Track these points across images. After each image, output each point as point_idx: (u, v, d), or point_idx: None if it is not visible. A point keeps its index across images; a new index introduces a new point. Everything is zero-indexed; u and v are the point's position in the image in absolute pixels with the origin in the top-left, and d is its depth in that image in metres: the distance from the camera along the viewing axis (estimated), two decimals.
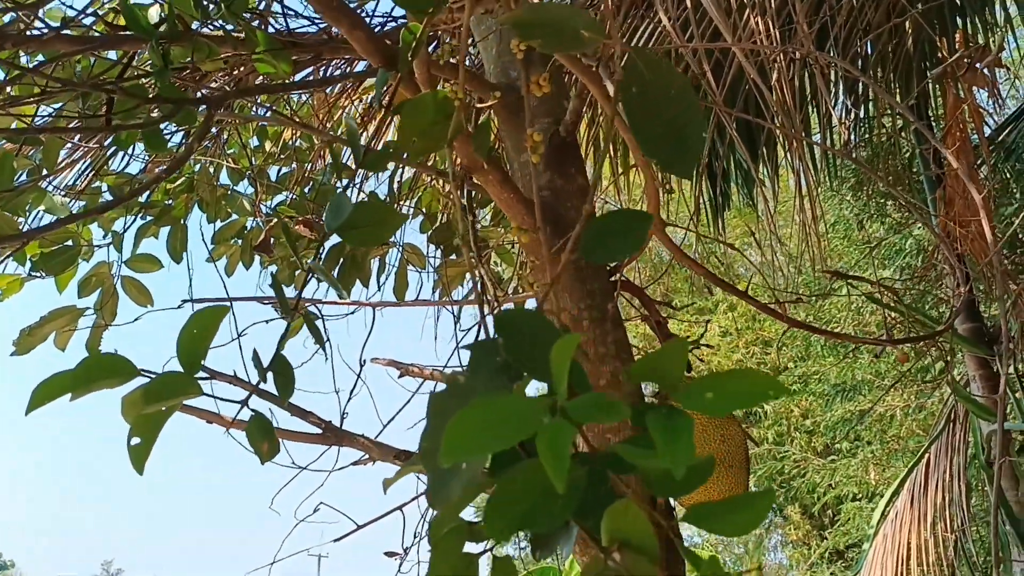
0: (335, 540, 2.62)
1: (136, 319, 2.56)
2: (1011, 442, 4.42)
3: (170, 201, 3.19)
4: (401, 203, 3.61)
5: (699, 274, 1.83)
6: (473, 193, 1.87)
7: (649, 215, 0.75)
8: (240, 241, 3.38)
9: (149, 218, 3.09)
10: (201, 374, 1.04)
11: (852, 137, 4.54)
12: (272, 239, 2.85)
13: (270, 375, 1.04)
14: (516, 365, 0.65)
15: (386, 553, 2.91)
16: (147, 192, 3.04)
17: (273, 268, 3.32)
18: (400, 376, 2.39)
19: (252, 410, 1.01)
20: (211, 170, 3.31)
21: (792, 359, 10.41)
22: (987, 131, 5.68)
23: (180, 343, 1.02)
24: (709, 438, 1.78)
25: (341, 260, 3.44)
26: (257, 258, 3.38)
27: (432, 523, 0.85)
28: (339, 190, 3.42)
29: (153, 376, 1.01)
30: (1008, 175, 5.77)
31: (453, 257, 3.14)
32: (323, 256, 3.38)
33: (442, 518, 0.82)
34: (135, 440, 1.02)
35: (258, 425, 0.98)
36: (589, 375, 1.31)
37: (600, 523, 0.69)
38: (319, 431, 1.91)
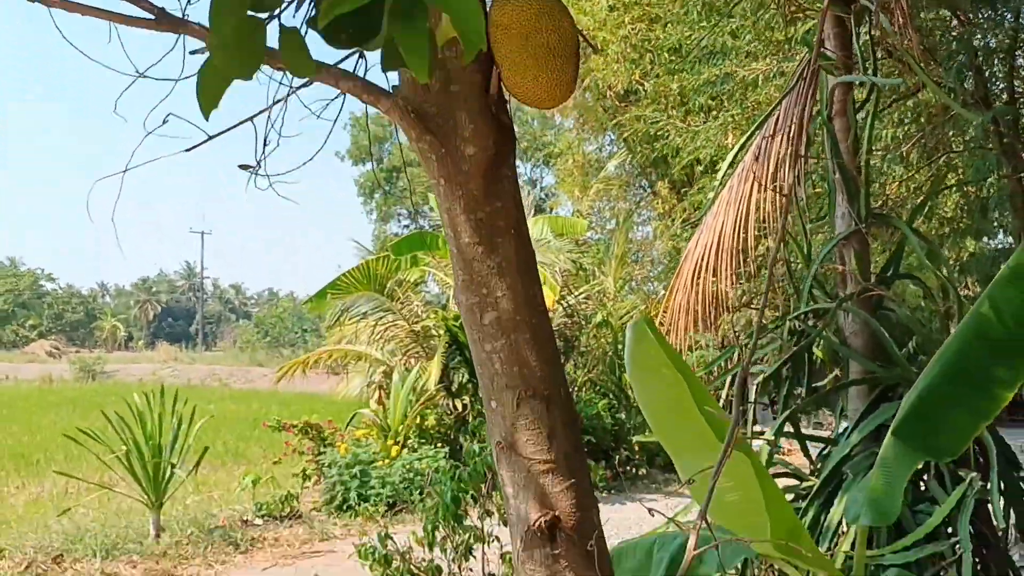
0: (186, 150, 2.65)
1: None
2: (851, 92, 4.68)
3: None
4: None
5: None
6: None
7: None
8: None
9: None
10: None
11: None
12: None
13: None
14: None
15: (240, 166, 2.97)
16: None
17: None
18: None
19: None
20: None
21: (672, 32, 10.45)
22: None
23: None
24: (542, 28, 1.83)
25: None
26: None
27: None
28: None
29: None
30: None
31: None
32: None
33: None
34: None
35: None
36: None
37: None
38: (151, 17, 1.85)
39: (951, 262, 8.39)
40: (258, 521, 9.58)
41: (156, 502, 8.61)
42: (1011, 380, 2.35)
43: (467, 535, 3.85)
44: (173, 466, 8.74)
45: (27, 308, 77.28)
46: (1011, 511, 4.18)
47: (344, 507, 10.07)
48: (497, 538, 3.87)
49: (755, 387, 4.95)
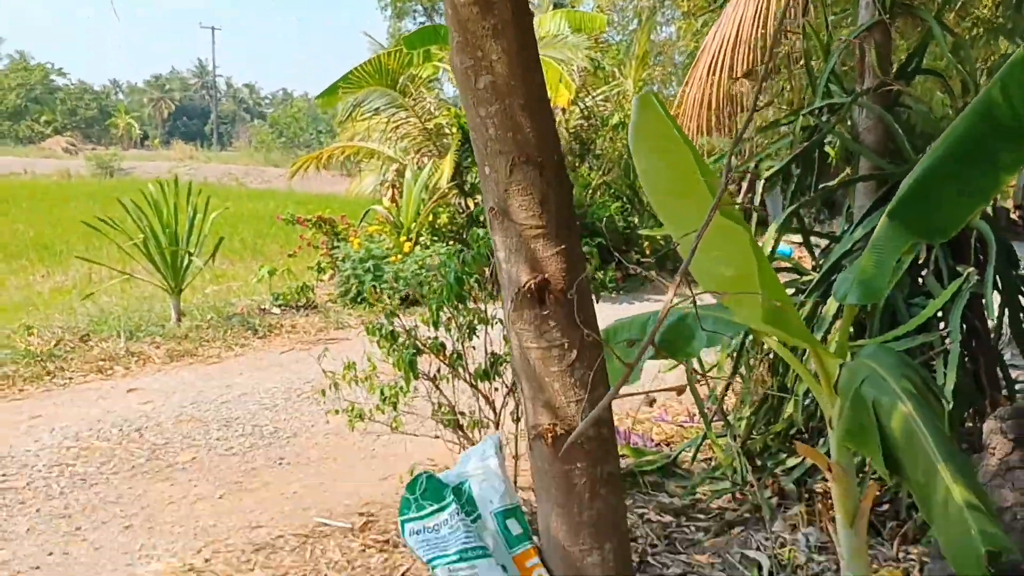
0: None
1: None
2: None
3: None
4: None
5: None
6: None
7: None
8: None
9: None
10: None
11: None
12: None
13: None
14: None
15: None
16: None
17: None
18: None
19: None
20: None
21: None
22: None
23: None
24: None
25: None
26: None
27: None
28: None
29: None
30: None
31: None
32: None
33: None
34: None
35: None
36: None
37: None
38: None
39: (980, 64, 8.09)
40: (275, 310, 9.89)
41: (175, 288, 8.88)
42: (1013, 163, 2.33)
43: (471, 316, 3.99)
44: (190, 254, 8.95)
45: (40, 103, 76.43)
46: (1006, 310, 4.25)
47: (358, 299, 10.36)
48: (500, 321, 4.00)
49: (763, 183, 4.92)
